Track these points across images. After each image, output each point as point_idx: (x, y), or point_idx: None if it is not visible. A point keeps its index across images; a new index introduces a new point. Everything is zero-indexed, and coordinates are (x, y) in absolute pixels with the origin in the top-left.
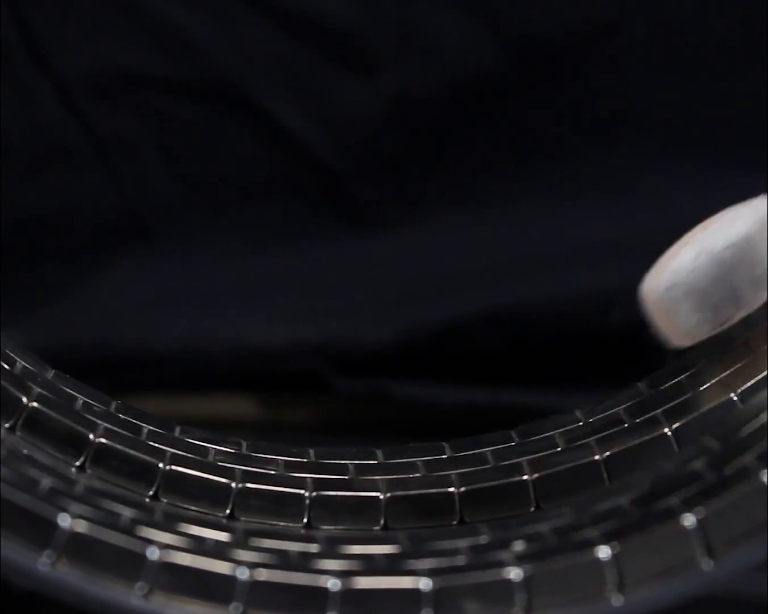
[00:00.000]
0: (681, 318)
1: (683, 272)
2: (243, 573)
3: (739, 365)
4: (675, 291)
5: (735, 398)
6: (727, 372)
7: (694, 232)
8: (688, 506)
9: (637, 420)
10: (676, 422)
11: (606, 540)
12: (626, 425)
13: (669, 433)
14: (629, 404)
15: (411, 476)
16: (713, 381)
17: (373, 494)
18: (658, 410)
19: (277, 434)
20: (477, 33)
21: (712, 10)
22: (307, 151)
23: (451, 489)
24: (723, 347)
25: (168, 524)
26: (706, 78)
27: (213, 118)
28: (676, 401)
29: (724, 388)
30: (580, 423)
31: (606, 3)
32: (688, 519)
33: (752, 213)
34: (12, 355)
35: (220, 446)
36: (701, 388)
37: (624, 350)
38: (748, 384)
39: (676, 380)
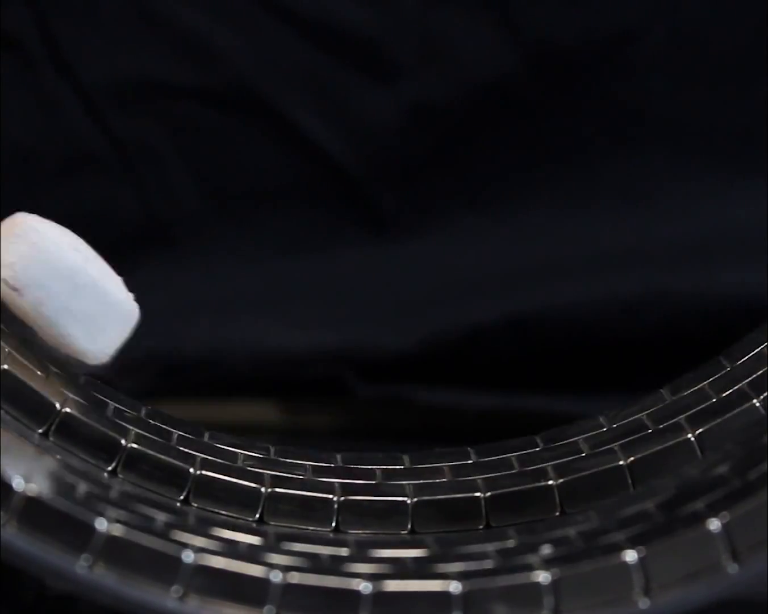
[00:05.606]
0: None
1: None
2: (276, 576)
3: (760, 372)
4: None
5: (757, 404)
6: (749, 379)
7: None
8: (713, 510)
9: (661, 426)
10: (699, 428)
11: (632, 544)
12: (650, 430)
13: (692, 439)
14: (652, 410)
15: (437, 481)
16: (735, 388)
17: (400, 498)
18: (681, 416)
19: (299, 439)
20: (497, 41)
21: (732, 17)
22: (328, 159)
23: (478, 494)
24: (743, 354)
25: (201, 528)
26: (724, 85)
27: (235, 126)
28: (698, 408)
29: (747, 394)
30: (604, 429)
31: (625, 10)
32: (714, 524)
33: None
34: (44, 361)
35: (249, 451)
36: (724, 394)
37: (643, 356)
38: None
39: (699, 386)
